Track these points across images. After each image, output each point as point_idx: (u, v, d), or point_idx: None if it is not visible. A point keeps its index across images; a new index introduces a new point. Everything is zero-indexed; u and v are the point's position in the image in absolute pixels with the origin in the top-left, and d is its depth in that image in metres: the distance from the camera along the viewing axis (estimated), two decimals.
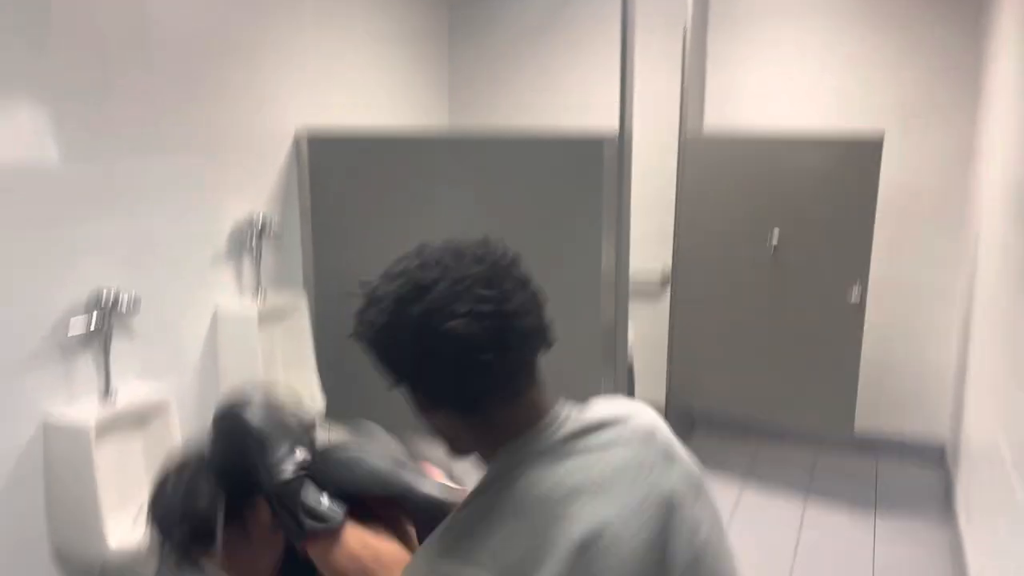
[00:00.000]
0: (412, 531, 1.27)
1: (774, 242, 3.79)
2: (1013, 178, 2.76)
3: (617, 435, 1.06)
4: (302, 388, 3.39)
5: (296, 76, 3.53)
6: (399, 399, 1.08)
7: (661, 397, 4.01)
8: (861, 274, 3.58)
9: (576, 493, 0.98)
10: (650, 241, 4.17)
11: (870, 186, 3.47)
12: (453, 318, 0.97)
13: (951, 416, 4.10)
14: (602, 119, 4.17)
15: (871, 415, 4.22)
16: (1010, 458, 2.39)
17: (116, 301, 2.67)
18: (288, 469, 1.22)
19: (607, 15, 4.16)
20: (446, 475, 1.28)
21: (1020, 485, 2.24)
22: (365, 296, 1.06)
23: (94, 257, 2.67)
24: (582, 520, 0.96)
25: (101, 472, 2.52)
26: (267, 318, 3.26)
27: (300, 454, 1.25)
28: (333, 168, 3.52)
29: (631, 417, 1.10)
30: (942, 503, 3.85)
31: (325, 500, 1.22)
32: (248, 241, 3.29)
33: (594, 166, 2.97)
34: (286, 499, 1.21)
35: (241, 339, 3.18)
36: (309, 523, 1.20)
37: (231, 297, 3.27)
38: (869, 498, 3.90)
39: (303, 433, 1.30)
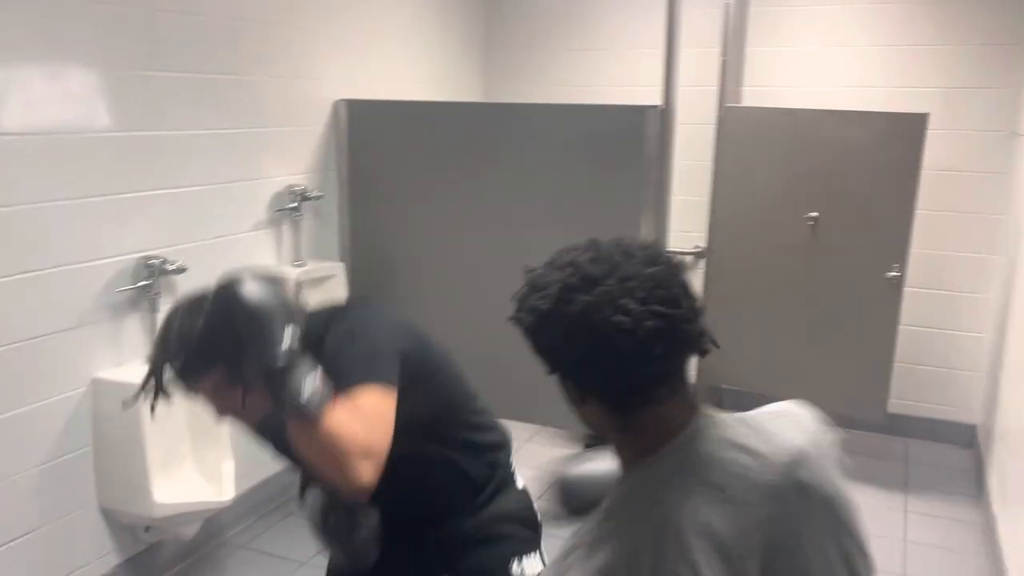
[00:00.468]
0: None
1: (813, 217, 3.76)
2: None
3: (749, 467, 1.03)
4: None
5: (335, 48, 3.54)
6: None
7: (690, 374, 4.01)
8: (900, 252, 3.54)
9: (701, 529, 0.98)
10: (684, 214, 4.15)
11: (913, 162, 3.43)
12: (622, 313, 0.96)
13: (984, 397, 4.07)
14: (637, 95, 4.15)
15: (902, 395, 4.20)
16: None
17: (164, 265, 2.72)
18: (279, 353, 1.28)
19: None
20: None
21: None
22: (528, 282, 1.05)
23: (142, 222, 2.71)
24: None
25: (148, 431, 2.57)
26: (305, 286, 3.30)
27: (292, 335, 1.30)
28: (371, 136, 3.53)
29: (777, 452, 1.05)
30: (973, 484, 3.84)
31: (310, 384, 1.28)
32: (288, 210, 3.31)
33: (635, 135, 2.96)
34: (274, 380, 1.27)
35: None
36: (290, 405, 1.27)
37: (271, 264, 3.31)
38: (899, 478, 3.90)
39: (296, 314, 1.34)
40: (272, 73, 3.20)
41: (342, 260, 3.60)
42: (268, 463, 3.40)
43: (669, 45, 2.95)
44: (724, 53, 3.96)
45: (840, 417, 4.73)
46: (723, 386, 4.33)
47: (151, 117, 2.71)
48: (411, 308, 1.79)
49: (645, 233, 3.00)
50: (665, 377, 1.03)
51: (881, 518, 3.52)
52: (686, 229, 4.29)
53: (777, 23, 4.25)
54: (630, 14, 4.52)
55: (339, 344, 1.49)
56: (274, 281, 1.37)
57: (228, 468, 2.83)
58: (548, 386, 1.12)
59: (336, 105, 3.53)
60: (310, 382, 1.28)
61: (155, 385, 1.44)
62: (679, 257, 1.04)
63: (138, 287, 2.68)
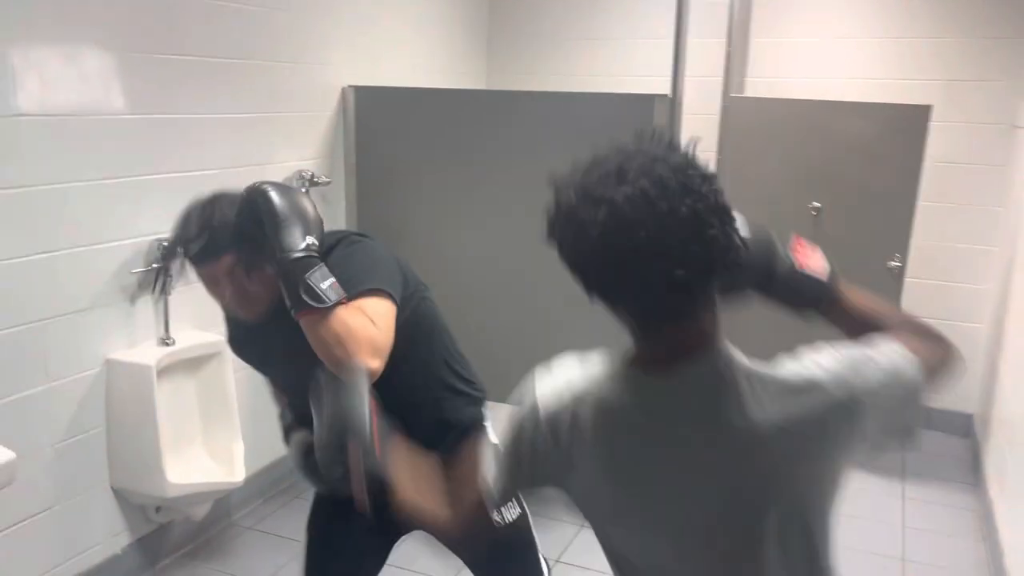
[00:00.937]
0: None
1: (815, 207, 3.80)
2: None
3: (708, 418, 1.06)
4: None
5: (343, 34, 3.55)
6: None
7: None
8: (902, 243, 3.59)
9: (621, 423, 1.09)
10: None
11: (916, 154, 3.47)
12: (662, 260, 0.96)
13: (981, 387, 4.13)
14: (638, 85, 4.17)
15: None
16: None
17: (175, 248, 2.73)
18: (297, 250, 1.44)
19: None
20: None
21: None
22: (563, 209, 1.03)
23: (156, 205, 2.73)
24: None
25: (161, 412, 2.59)
26: None
27: (311, 239, 1.47)
28: (379, 123, 3.55)
29: (747, 418, 1.05)
30: (969, 472, 3.90)
31: (325, 284, 1.45)
32: None
33: (644, 124, 2.98)
34: (290, 274, 1.44)
35: None
36: (304, 298, 1.43)
37: None
38: (897, 465, 3.95)
39: (315, 222, 1.51)
40: (282, 58, 3.21)
41: None
42: (275, 446, 3.43)
43: (678, 34, 2.97)
44: (729, 44, 3.99)
45: None
46: None
47: (165, 100, 2.73)
48: None
49: None
50: (694, 305, 1.05)
51: (880, 504, 3.57)
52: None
53: (780, 14, 4.28)
54: (632, 4, 4.54)
55: (347, 256, 1.62)
56: (298, 192, 1.54)
57: (238, 450, 2.86)
58: None
59: (344, 91, 3.55)
60: (325, 276, 1.46)
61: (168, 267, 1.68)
62: (716, 182, 1.03)
63: (151, 269, 2.70)
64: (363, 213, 3.62)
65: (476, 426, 1.88)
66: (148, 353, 2.67)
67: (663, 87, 3.05)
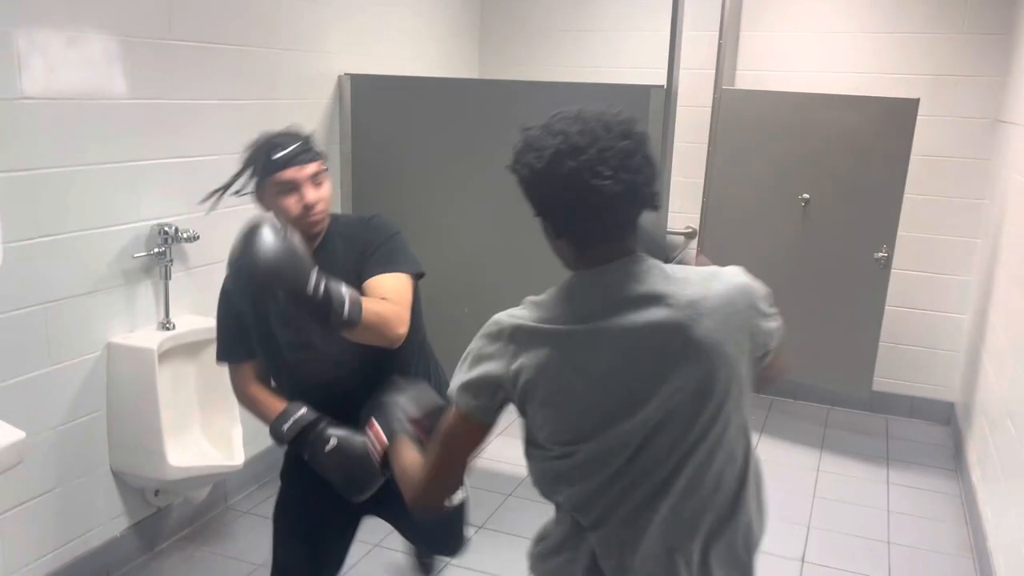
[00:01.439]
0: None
1: (804, 198, 3.86)
2: None
3: (636, 319, 1.26)
4: None
5: (339, 22, 3.57)
6: None
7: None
8: (889, 235, 3.66)
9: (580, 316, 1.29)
10: (678, 195, 4.24)
11: (903, 147, 3.54)
12: (599, 178, 1.21)
13: (963, 376, 4.22)
14: (630, 76, 4.21)
15: (884, 374, 4.34)
16: None
17: (177, 233, 2.75)
18: (311, 289, 1.64)
19: None
20: None
21: None
22: (525, 140, 1.28)
23: (157, 190, 2.75)
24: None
25: (162, 394, 2.61)
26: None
27: (315, 273, 1.66)
28: (374, 111, 3.57)
29: (673, 296, 1.27)
30: (951, 458, 3.99)
31: (347, 305, 1.68)
32: None
33: (640, 115, 3.02)
34: (315, 310, 1.67)
35: None
36: (340, 324, 1.69)
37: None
38: (881, 452, 4.04)
39: (308, 259, 1.70)
40: (281, 45, 3.23)
41: None
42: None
43: (674, 26, 3.02)
44: (721, 36, 4.04)
45: (827, 393, 4.88)
46: None
47: (167, 86, 2.74)
48: None
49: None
50: (623, 226, 1.29)
51: (865, 489, 3.65)
52: (678, 209, 4.39)
53: (770, 8, 4.34)
54: None
55: (378, 238, 1.95)
56: (283, 233, 1.69)
57: (237, 434, 2.88)
58: None
59: (340, 79, 3.57)
60: (344, 299, 1.67)
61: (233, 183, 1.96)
62: (646, 131, 1.29)
63: (152, 254, 2.72)
64: (358, 201, 3.64)
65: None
66: (149, 337, 2.69)
67: (653, 79, 3.10)
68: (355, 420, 1.83)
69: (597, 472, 1.29)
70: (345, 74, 3.57)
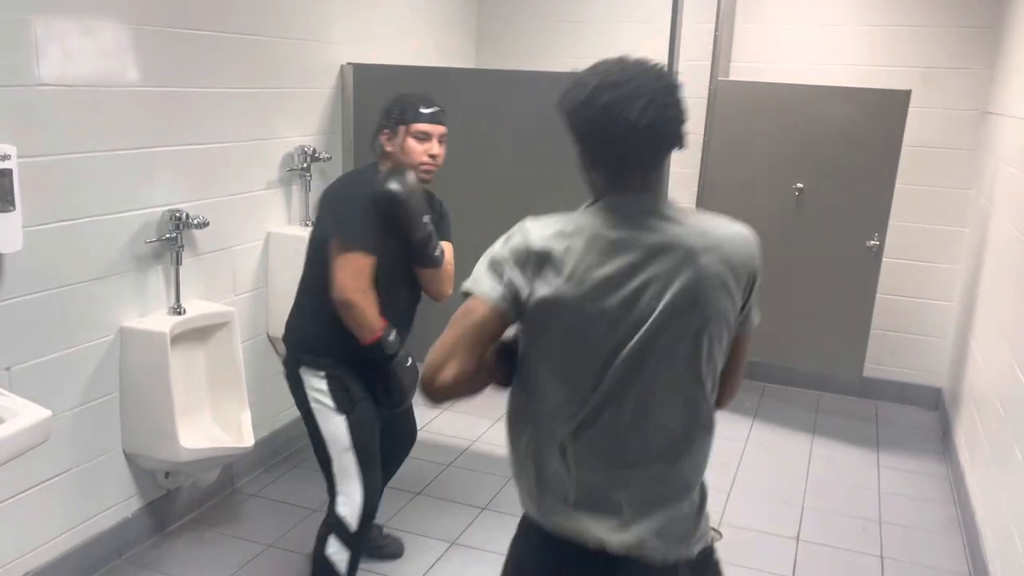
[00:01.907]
0: None
1: (798, 188, 3.94)
2: None
3: (651, 229, 1.39)
4: None
5: (342, 11, 3.61)
6: None
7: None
8: (880, 224, 3.75)
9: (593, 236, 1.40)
10: (673, 184, 4.30)
11: (895, 138, 3.62)
12: (630, 110, 1.34)
13: (951, 362, 4.32)
14: None
15: (874, 360, 4.43)
16: None
17: (187, 219, 2.79)
18: (421, 230, 2.30)
19: None
20: None
21: None
22: (572, 80, 1.41)
23: (168, 176, 2.79)
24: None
25: (174, 377, 2.66)
26: None
27: (427, 218, 2.32)
28: (376, 100, 3.57)
29: (684, 235, 1.39)
30: (939, 442, 4.09)
31: (437, 252, 2.39)
32: (298, 170, 3.40)
33: None
34: (417, 248, 2.34)
35: (292, 262, 3.30)
36: (431, 262, 2.38)
37: (282, 223, 3.39)
38: (871, 436, 4.14)
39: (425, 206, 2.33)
40: (287, 35, 3.27)
41: None
42: (277, 416, 3.51)
43: (674, 17, 3.08)
44: (717, 28, 4.10)
45: (818, 380, 4.96)
46: None
47: (177, 73, 2.77)
48: None
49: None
50: (650, 159, 1.42)
51: (857, 471, 3.75)
52: (674, 199, 4.45)
53: (766, 1, 4.41)
54: None
55: (444, 211, 2.60)
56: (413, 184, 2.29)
57: (246, 417, 2.94)
58: None
59: (343, 68, 3.61)
60: (438, 243, 2.37)
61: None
62: (680, 81, 1.44)
63: (163, 240, 2.76)
64: None
65: None
66: (160, 321, 2.73)
67: None
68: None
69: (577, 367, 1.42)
70: (348, 64, 3.61)
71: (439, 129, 2.40)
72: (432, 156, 2.39)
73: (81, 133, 2.46)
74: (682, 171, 4.32)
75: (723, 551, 1.62)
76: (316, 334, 2.38)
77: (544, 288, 1.38)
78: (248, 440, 2.86)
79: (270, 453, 3.47)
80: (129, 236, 2.67)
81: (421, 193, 2.31)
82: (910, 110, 3.68)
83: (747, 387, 4.45)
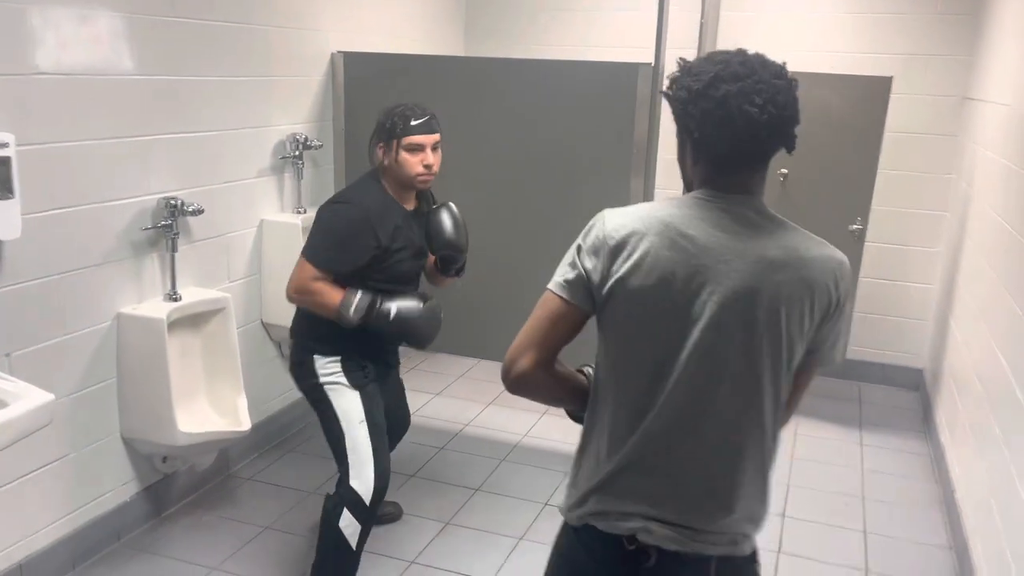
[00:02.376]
0: None
1: (783, 173, 4.01)
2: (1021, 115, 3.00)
3: (727, 232, 1.35)
4: None
5: (332, 2, 3.64)
6: None
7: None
8: (863, 208, 3.82)
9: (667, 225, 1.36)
10: (662, 172, 4.35)
11: (877, 123, 3.70)
12: (750, 104, 1.29)
13: (931, 344, 4.42)
14: (614, 55, 4.30)
15: (856, 342, 4.53)
16: (1012, 378, 2.68)
17: (182, 207, 2.82)
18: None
19: None
20: None
21: (1021, 397, 2.52)
22: (682, 67, 1.38)
23: (163, 164, 2.82)
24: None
25: (172, 362, 2.69)
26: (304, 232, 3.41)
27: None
28: (366, 88, 3.63)
29: (758, 248, 1.35)
30: (920, 421, 4.19)
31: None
32: (291, 157, 3.42)
33: (628, 92, 3.14)
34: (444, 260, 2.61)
35: (285, 249, 3.33)
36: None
37: (275, 210, 3.42)
38: (854, 417, 4.23)
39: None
40: (277, 23, 3.29)
41: None
42: (271, 401, 3.55)
43: (661, 4, 3.12)
44: (703, 15, 4.14)
45: None
46: None
47: (170, 62, 2.80)
48: None
49: (633, 187, 3.22)
50: (759, 158, 1.38)
51: (841, 450, 3.84)
52: (663, 186, 4.50)
53: None
54: None
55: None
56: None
57: (242, 402, 2.97)
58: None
59: (334, 56, 3.63)
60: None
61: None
62: (795, 78, 1.38)
63: (159, 227, 2.78)
64: (351, 175, 3.70)
65: None
66: (157, 308, 2.76)
67: (637, 57, 3.20)
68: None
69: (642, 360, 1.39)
70: (338, 52, 3.63)
71: (431, 138, 2.44)
72: (427, 166, 2.44)
73: (78, 121, 2.48)
74: (671, 158, 4.36)
75: None
76: (328, 322, 2.42)
77: (615, 278, 1.36)
78: (245, 424, 2.90)
79: (264, 438, 3.51)
80: (125, 223, 2.70)
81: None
82: (892, 96, 3.74)
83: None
